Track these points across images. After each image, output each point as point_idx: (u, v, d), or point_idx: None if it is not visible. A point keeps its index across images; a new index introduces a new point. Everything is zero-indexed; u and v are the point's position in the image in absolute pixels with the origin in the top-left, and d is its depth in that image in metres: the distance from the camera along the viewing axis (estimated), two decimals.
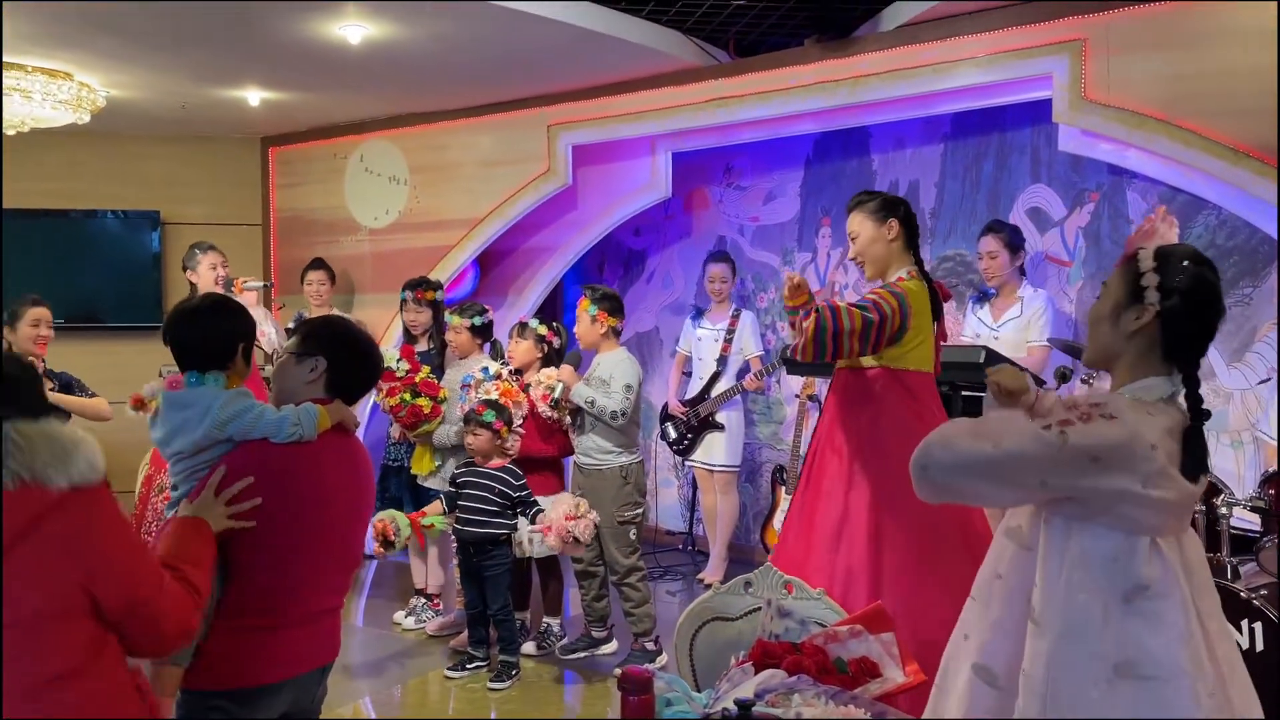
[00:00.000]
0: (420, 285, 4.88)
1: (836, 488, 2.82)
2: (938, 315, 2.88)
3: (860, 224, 2.94)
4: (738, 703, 1.65)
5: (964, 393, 3.61)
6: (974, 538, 2.73)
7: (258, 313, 4.71)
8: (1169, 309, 1.73)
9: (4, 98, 4.74)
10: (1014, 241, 4.41)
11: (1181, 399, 1.75)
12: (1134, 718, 1.63)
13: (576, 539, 3.79)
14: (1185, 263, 1.75)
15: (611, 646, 4.38)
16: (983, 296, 4.59)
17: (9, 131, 5.04)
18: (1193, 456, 1.69)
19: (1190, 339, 1.76)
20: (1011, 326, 4.39)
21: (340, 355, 2.21)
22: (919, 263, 2.95)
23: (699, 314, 5.63)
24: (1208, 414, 1.75)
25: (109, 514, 1.68)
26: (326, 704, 2.33)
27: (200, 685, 2.02)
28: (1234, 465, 4.27)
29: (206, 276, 4.70)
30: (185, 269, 4.81)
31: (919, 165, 5.26)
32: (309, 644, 2.14)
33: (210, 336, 2.17)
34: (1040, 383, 3.87)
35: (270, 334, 4.78)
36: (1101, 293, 1.85)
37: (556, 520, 3.81)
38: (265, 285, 4.73)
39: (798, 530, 2.89)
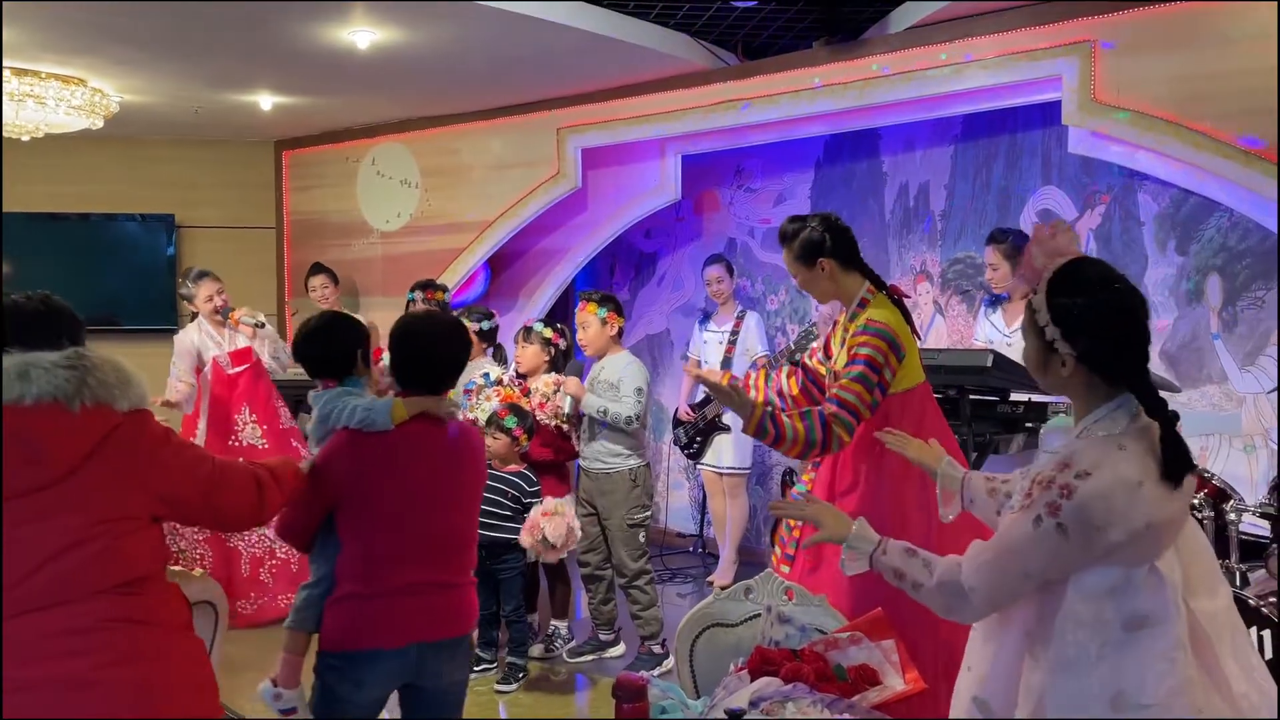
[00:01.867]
0: (429, 286, 4.91)
1: (847, 509, 2.74)
2: (907, 318, 2.76)
3: (792, 265, 2.81)
4: (728, 712, 1.65)
5: (971, 396, 3.58)
6: None
7: (254, 345, 4.77)
8: (1085, 352, 1.68)
9: (18, 104, 4.80)
10: (1016, 249, 4.34)
11: (1142, 413, 1.71)
12: None
13: (545, 538, 3.79)
14: (1078, 300, 1.68)
15: (619, 649, 4.38)
16: (995, 301, 4.55)
17: (23, 137, 5.10)
18: (1172, 459, 1.65)
19: (1120, 361, 1.70)
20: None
21: (400, 347, 2.40)
22: (868, 273, 2.80)
23: (706, 317, 5.63)
24: (1175, 415, 1.71)
25: (161, 429, 1.92)
26: None
27: (321, 645, 2.32)
28: (1246, 470, 4.23)
29: (205, 308, 4.77)
30: (183, 298, 4.86)
31: (929, 167, 5.24)
32: (414, 616, 2.30)
33: (330, 351, 2.46)
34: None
35: (266, 358, 4.81)
36: (1024, 336, 1.79)
37: (532, 517, 3.83)
38: (259, 323, 4.76)
39: (808, 551, 2.81)
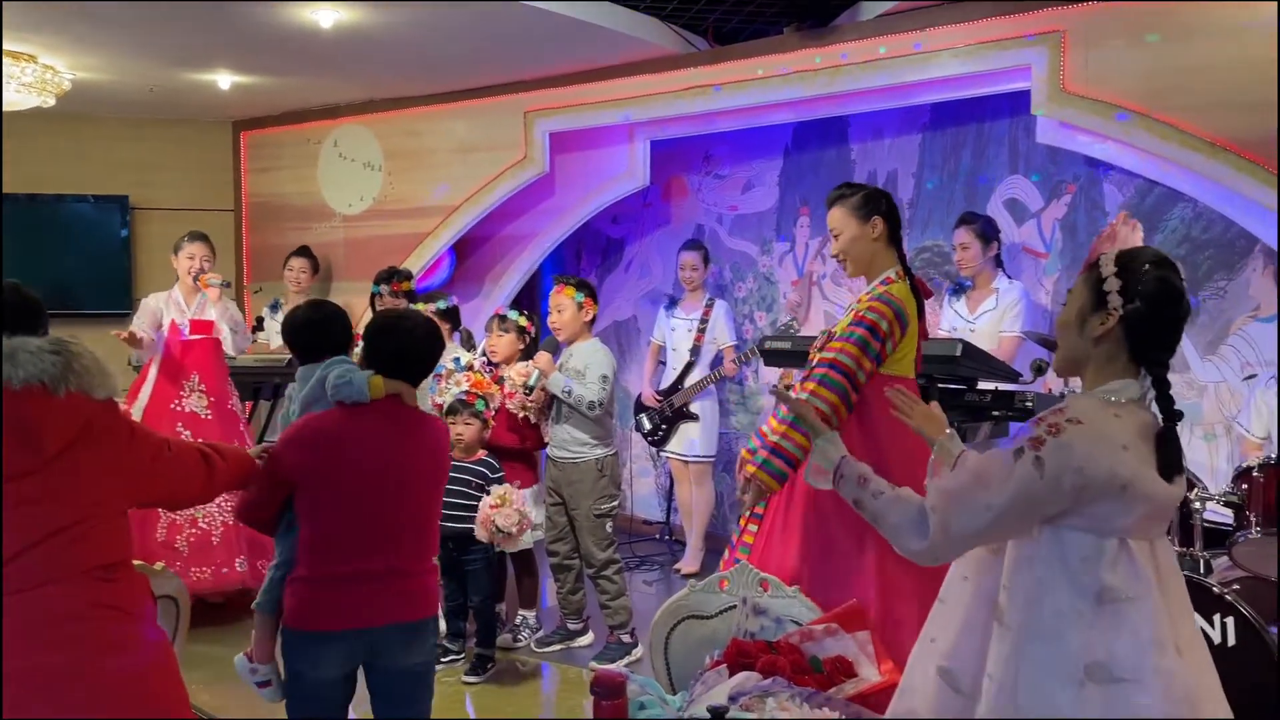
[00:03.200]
0: (394, 277, 4.83)
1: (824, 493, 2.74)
2: (920, 314, 2.82)
3: (842, 221, 2.81)
4: (710, 709, 1.64)
5: (940, 385, 3.59)
6: None
7: (216, 309, 4.65)
8: (1132, 312, 1.74)
9: None
10: (987, 233, 4.39)
11: (1152, 400, 1.74)
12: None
13: (498, 528, 3.75)
14: (1147, 266, 1.76)
15: (587, 639, 4.36)
16: (959, 289, 4.58)
17: None
18: (1167, 457, 1.70)
19: (1155, 340, 1.76)
20: (988, 319, 4.38)
21: (373, 340, 2.47)
22: (903, 258, 2.86)
23: (673, 303, 5.60)
24: (1180, 414, 1.75)
25: (128, 420, 1.99)
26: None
27: (285, 622, 2.38)
28: (1207, 458, 4.30)
29: (183, 264, 4.67)
30: (172, 252, 4.74)
31: (897, 155, 5.25)
32: (371, 600, 2.32)
33: (326, 340, 2.56)
34: (1015, 376, 3.86)
35: (225, 332, 4.69)
36: (1067, 300, 1.86)
37: (482, 512, 3.79)
38: (224, 283, 4.66)
39: (782, 535, 2.80)
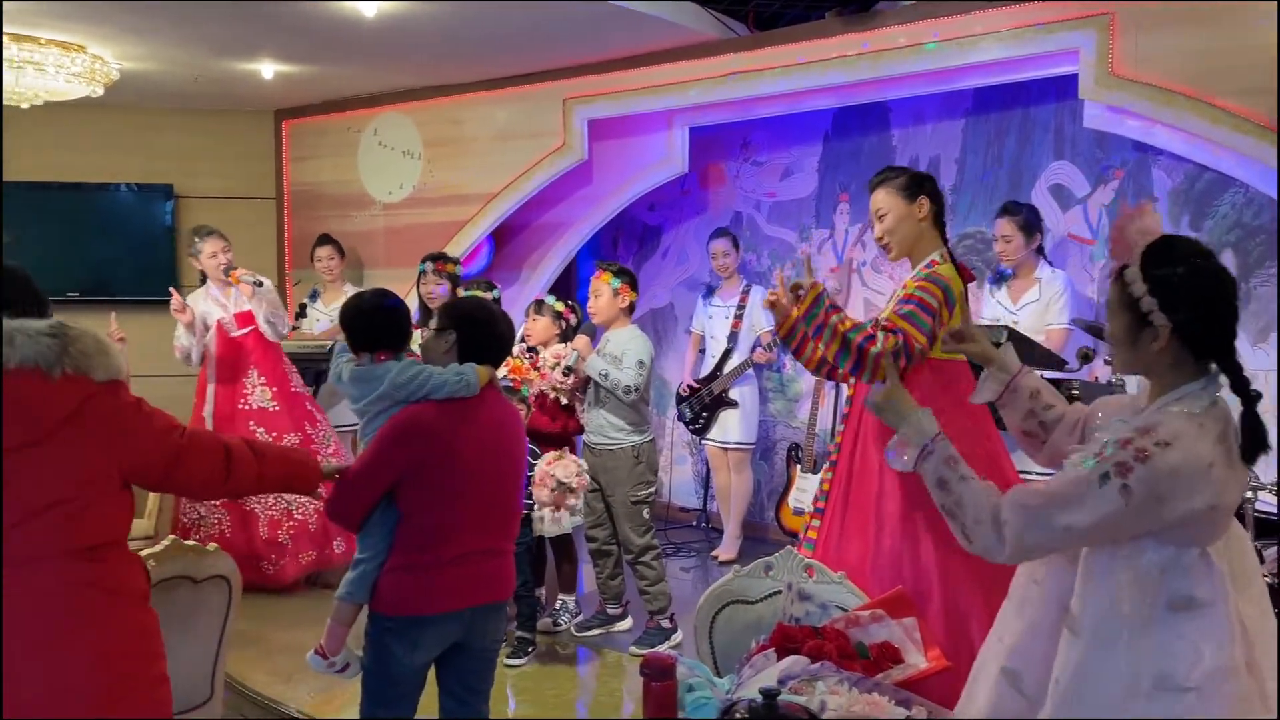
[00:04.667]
0: (440, 258, 4.87)
1: (875, 478, 2.71)
2: (964, 297, 2.80)
3: (888, 202, 2.79)
4: (762, 691, 1.64)
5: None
6: None
7: (252, 305, 4.73)
8: (1181, 324, 1.66)
9: (17, 71, 4.71)
10: (1030, 223, 4.32)
11: (1226, 390, 1.70)
12: None
13: (560, 481, 3.82)
14: (1179, 270, 1.67)
15: (626, 624, 4.38)
16: (1000, 277, 4.52)
17: (22, 105, 5.02)
18: (1252, 439, 1.65)
19: (1215, 337, 1.70)
20: (1030, 310, 4.32)
21: (466, 328, 2.54)
22: (946, 241, 2.84)
23: (710, 292, 5.59)
24: (1258, 394, 1.69)
25: (132, 399, 1.98)
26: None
27: (376, 608, 2.43)
28: None
29: (209, 264, 4.74)
30: (191, 257, 4.82)
31: (939, 141, 5.19)
32: (467, 583, 2.43)
33: (391, 329, 2.55)
34: (1061, 364, 3.82)
35: (262, 322, 4.76)
36: (1107, 313, 1.79)
37: (540, 470, 3.88)
38: (257, 281, 4.71)
39: (842, 532, 2.77)
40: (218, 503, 4.61)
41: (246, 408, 4.74)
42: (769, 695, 1.63)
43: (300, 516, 4.73)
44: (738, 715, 1.63)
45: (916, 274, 2.75)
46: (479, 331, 2.56)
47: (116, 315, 4.46)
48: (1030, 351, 3.63)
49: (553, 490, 3.89)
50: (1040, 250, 4.42)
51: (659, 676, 1.78)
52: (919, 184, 2.79)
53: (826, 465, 2.96)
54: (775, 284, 2.84)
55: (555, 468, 3.91)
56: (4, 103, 4.97)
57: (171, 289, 4.78)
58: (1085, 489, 1.62)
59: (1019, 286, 4.41)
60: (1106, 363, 3.44)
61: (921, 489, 2.44)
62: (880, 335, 2.60)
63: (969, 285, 2.82)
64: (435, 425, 2.40)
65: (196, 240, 4.78)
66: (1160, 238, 1.76)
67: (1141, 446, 1.60)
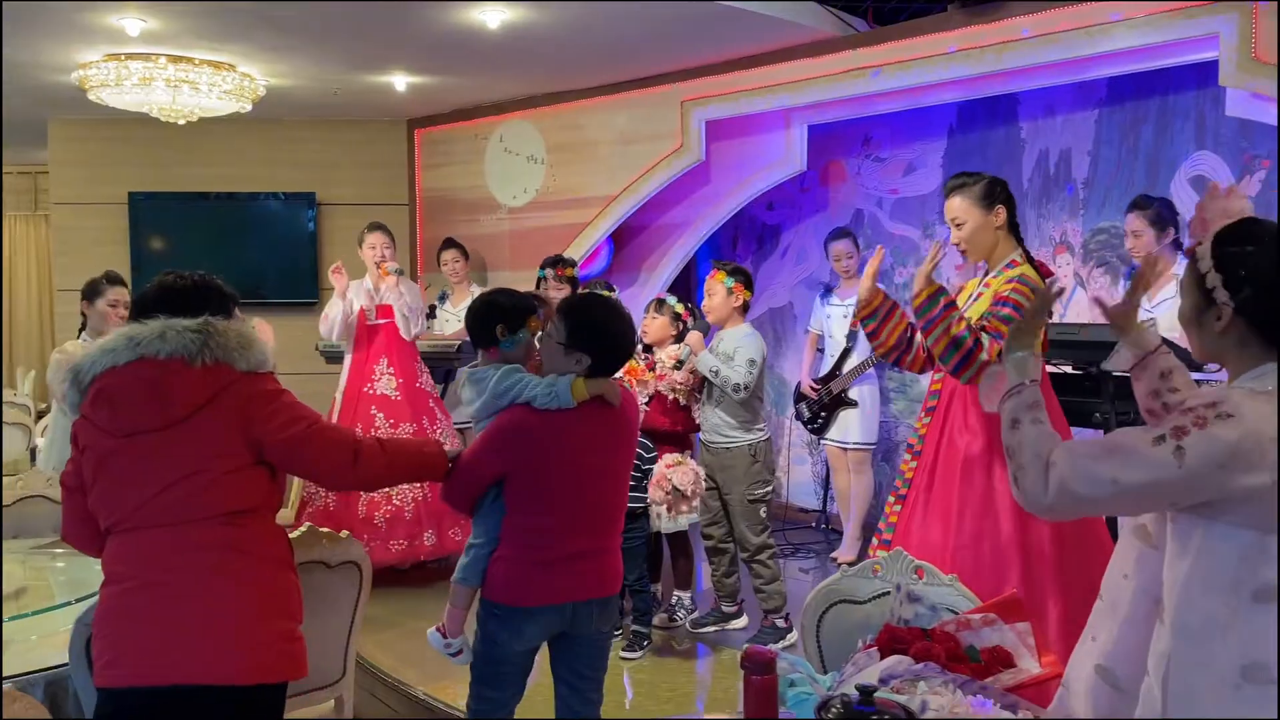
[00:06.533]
0: (559, 263, 4.99)
1: (959, 466, 2.78)
2: None
3: (965, 210, 2.88)
4: (859, 688, 1.64)
5: (1114, 374, 3.43)
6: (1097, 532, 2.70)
7: (392, 295, 4.95)
8: (1244, 303, 1.61)
9: (174, 90, 5.08)
10: (1161, 217, 4.12)
11: None
12: None
13: (675, 487, 3.84)
14: (1248, 248, 1.62)
15: (741, 622, 4.40)
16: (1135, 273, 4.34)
17: (179, 121, 5.40)
18: None
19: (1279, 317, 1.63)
20: (1168, 306, 4.11)
21: (598, 349, 2.52)
22: (1021, 241, 2.92)
23: (828, 291, 5.54)
24: None
25: (273, 388, 2.20)
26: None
27: (487, 595, 2.54)
28: None
29: (368, 255, 5.02)
30: (357, 245, 5.10)
31: (1071, 133, 5.01)
32: (571, 579, 2.51)
33: (474, 326, 2.66)
34: (1198, 365, 3.63)
35: (398, 316, 4.96)
36: (1181, 292, 1.74)
37: (657, 471, 3.89)
38: (398, 270, 5.01)
39: (924, 516, 2.85)
40: None
41: (371, 392, 4.96)
42: (866, 692, 1.63)
43: (398, 502, 4.85)
44: (834, 710, 1.64)
45: (1000, 274, 2.84)
46: (610, 354, 2.55)
47: (265, 317, 4.75)
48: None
49: (667, 493, 3.93)
50: (1177, 244, 4.21)
51: (759, 670, 1.80)
52: (995, 192, 2.87)
53: (909, 454, 2.99)
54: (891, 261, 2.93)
55: (673, 472, 3.94)
56: (162, 120, 5.36)
57: (339, 262, 5.03)
58: (1139, 446, 1.59)
59: (1155, 284, 4.22)
60: None
61: (1004, 476, 2.43)
62: (986, 340, 2.68)
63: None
64: (534, 430, 2.45)
65: (365, 233, 5.05)
66: (1243, 219, 1.72)
67: (1202, 415, 1.57)
